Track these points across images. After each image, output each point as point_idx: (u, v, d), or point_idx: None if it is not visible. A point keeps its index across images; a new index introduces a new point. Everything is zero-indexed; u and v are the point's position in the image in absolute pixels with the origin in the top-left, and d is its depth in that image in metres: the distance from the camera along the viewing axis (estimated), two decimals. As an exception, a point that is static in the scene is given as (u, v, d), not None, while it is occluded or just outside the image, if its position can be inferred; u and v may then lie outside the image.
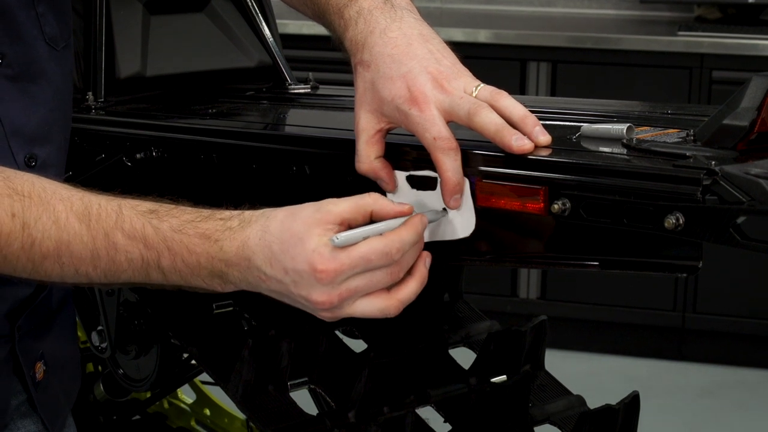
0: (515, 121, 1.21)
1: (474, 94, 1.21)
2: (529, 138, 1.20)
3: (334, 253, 1.11)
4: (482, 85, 1.23)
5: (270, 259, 1.13)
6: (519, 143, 1.19)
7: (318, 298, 1.13)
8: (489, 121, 1.19)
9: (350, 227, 1.14)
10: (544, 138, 1.21)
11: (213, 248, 1.14)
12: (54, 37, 1.27)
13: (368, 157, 1.25)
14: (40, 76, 1.26)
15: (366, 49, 1.25)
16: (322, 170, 1.39)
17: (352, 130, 1.29)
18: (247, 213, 1.16)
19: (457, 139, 1.21)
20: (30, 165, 1.24)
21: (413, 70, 1.22)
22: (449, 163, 1.20)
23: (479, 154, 1.25)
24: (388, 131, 1.26)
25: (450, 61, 1.24)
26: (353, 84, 1.27)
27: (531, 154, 1.22)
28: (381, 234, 1.13)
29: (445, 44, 1.26)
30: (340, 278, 1.12)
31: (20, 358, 1.28)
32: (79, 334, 1.72)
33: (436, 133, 1.20)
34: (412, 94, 1.21)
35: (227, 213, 1.16)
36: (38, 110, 1.25)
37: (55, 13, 1.28)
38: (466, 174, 1.24)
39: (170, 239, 1.14)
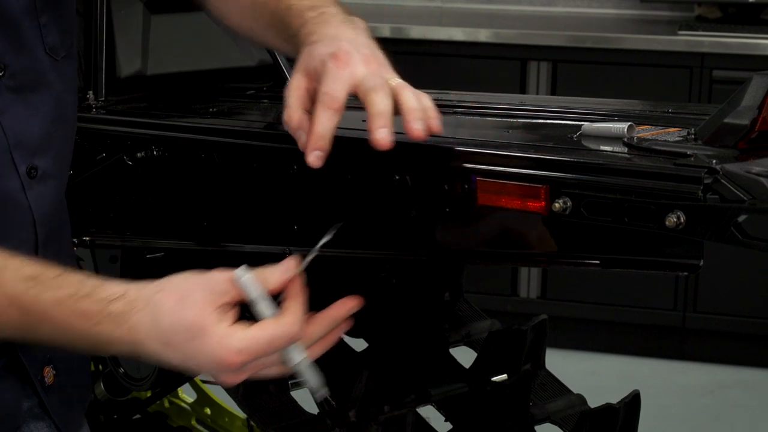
0: (405, 110, 1.21)
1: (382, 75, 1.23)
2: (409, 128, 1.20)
3: (240, 344, 1.11)
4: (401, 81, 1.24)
5: (166, 346, 1.12)
6: (377, 135, 1.19)
7: (225, 379, 1.16)
8: (377, 102, 1.20)
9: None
10: (417, 130, 1.20)
11: (92, 330, 1.12)
12: (54, 48, 1.26)
13: (297, 109, 1.25)
14: (41, 87, 1.25)
15: (316, 35, 1.28)
16: (322, 169, 1.39)
17: (353, 129, 1.29)
18: (132, 295, 1.13)
19: (458, 139, 1.21)
20: (31, 176, 1.23)
21: (348, 45, 1.25)
22: (323, 118, 1.20)
23: (480, 152, 1.25)
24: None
25: (372, 48, 1.27)
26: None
27: (531, 153, 1.22)
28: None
29: (374, 46, 1.29)
30: (248, 365, 1.13)
31: (25, 363, 1.27)
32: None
33: (329, 89, 1.21)
34: (337, 53, 1.23)
35: (110, 291, 1.13)
36: (40, 121, 1.24)
37: (57, 24, 1.26)
38: (467, 172, 1.24)
39: (50, 311, 1.13)
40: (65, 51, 1.28)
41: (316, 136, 1.21)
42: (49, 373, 1.30)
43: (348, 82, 1.21)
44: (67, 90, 1.29)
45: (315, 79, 1.25)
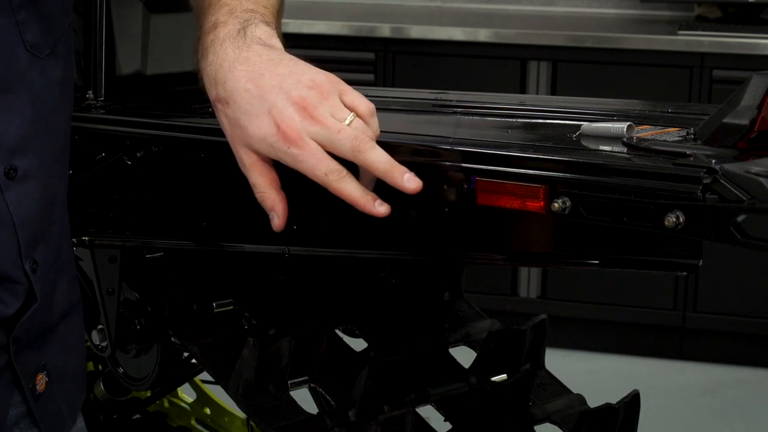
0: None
1: (348, 123, 1.23)
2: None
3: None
4: (350, 114, 1.24)
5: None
6: (410, 183, 1.22)
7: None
8: (378, 160, 1.22)
9: None
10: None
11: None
12: (36, 45, 1.21)
13: (271, 188, 1.27)
14: (17, 86, 1.19)
15: (219, 85, 1.26)
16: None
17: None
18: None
19: (457, 139, 1.21)
20: (9, 177, 1.19)
21: (276, 104, 1.23)
22: (352, 189, 1.23)
23: (480, 152, 1.25)
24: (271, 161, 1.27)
25: (308, 77, 1.25)
26: (219, 122, 1.29)
27: (530, 153, 1.22)
28: None
29: (295, 60, 1.27)
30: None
31: (17, 370, 1.23)
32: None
33: (326, 169, 1.22)
34: (283, 131, 1.22)
35: None
36: (17, 121, 1.19)
37: (39, 20, 1.21)
38: (466, 172, 1.24)
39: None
40: (49, 48, 1.23)
41: (361, 201, 1.23)
42: (41, 381, 1.27)
43: (322, 149, 1.22)
44: (50, 88, 1.24)
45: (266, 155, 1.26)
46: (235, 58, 1.26)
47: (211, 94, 1.28)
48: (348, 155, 1.22)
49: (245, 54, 1.26)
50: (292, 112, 1.22)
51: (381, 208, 1.24)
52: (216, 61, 1.27)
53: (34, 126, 1.21)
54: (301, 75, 1.25)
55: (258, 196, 1.28)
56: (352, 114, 1.24)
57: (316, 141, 1.22)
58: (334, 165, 1.22)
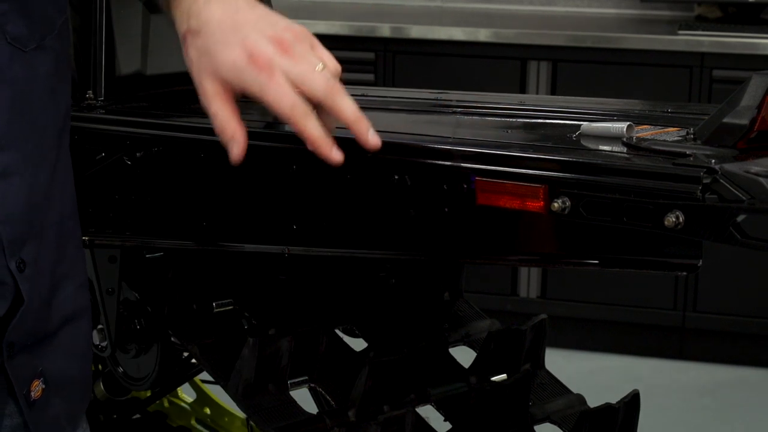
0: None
1: (319, 70, 1.22)
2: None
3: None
4: (320, 63, 1.23)
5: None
6: (374, 139, 1.21)
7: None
8: (349, 106, 1.21)
9: None
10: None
11: None
12: (19, 38, 1.17)
13: (233, 118, 1.25)
14: None
15: (192, 17, 1.25)
16: (322, 168, 1.39)
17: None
18: None
19: (457, 138, 1.21)
20: None
21: (250, 35, 1.22)
22: (314, 127, 1.21)
23: (479, 152, 1.25)
24: (234, 94, 1.25)
25: (284, 23, 1.25)
26: (186, 56, 1.27)
27: (530, 153, 1.22)
28: None
29: (271, 9, 1.27)
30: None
31: (10, 374, 1.19)
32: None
33: (291, 103, 1.21)
34: (255, 58, 1.21)
35: None
36: None
37: (22, 13, 1.18)
38: (466, 172, 1.24)
39: None
40: (36, 43, 1.19)
41: (321, 142, 1.21)
42: (37, 387, 1.23)
43: (289, 87, 1.21)
44: (37, 83, 1.21)
45: (233, 87, 1.24)
46: None
47: (182, 27, 1.26)
48: (319, 95, 1.21)
49: None
50: (266, 43, 1.22)
51: (337, 155, 1.22)
52: None
53: (16, 121, 1.18)
54: (277, 19, 1.25)
55: (217, 125, 1.26)
56: (321, 63, 1.24)
57: (287, 76, 1.21)
58: (300, 101, 1.21)
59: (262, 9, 1.25)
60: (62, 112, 1.27)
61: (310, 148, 1.23)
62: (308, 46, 1.25)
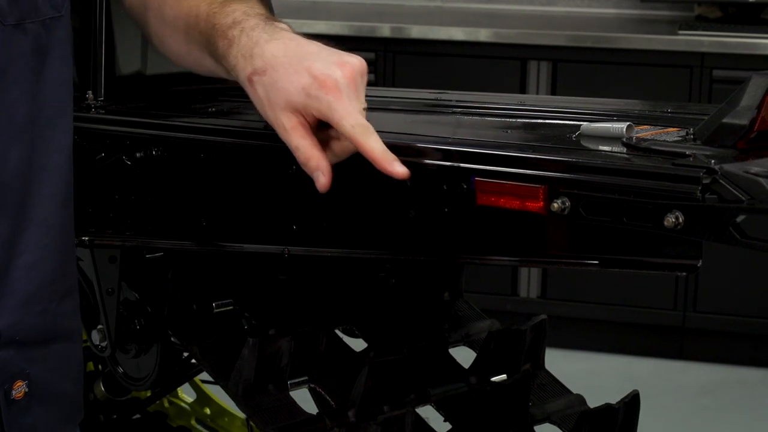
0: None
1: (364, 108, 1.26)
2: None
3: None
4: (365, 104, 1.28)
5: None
6: (400, 170, 1.23)
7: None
8: (374, 146, 1.23)
9: None
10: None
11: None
12: None
13: (314, 149, 1.26)
14: None
15: (256, 58, 1.29)
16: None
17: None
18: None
19: (457, 139, 1.22)
20: None
21: (316, 62, 1.26)
22: (375, 144, 1.23)
23: (479, 153, 1.25)
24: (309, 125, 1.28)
25: (344, 53, 1.28)
26: (254, 96, 1.30)
27: (529, 153, 1.22)
28: None
29: (271, 9, 1.33)
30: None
31: None
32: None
33: (354, 121, 1.23)
34: (322, 81, 1.24)
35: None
36: None
37: None
38: (466, 173, 1.24)
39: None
40: (14, 19, 1.22)
41: (382, 159, 1.23)
42: (19, 387, 1.25)
43: (355, 106, 1.24)
44: (9, 61, 1.22)
45: (305, 113, 1.26)
46: (270, 38, 1.29)
47: (246, 71, 1.29)
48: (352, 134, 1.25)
49: (278, 35, 1.30)
50: (332, 67, 1.25)
51: (400, 169, 1.23)
52: (249, 42, 1.30)
53: None
54: (337, 52, 1.29)
55: (301, 157, 1.28)
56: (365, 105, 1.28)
57: (348, 98, 1.25)
58: (363, 119, 1.24)
59: (320, 45, 1.30)
60: (41, 103, 1.27)
61: (373, 164, 1.24)
62: (364, 80, 1.29)
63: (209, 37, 1.35)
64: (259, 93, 1.29)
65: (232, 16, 1.34)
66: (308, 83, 1.25)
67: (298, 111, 1.26)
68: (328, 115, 1.24)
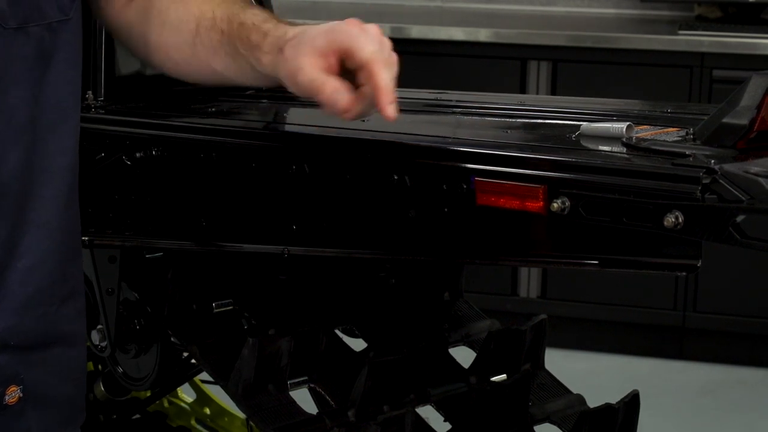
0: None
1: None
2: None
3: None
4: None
5: None
6: (390, 111, 1.24)
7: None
8: (384, 77, 1.25)
9: None
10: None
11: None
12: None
13: (330, 78, 1.27)
14: None
15: (289, 32, 1.32)
16: (322, 169, 1.39)
17: (353, 129, 1.29)
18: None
19: (457, 139, 1.21)
20: None
21: (337, 23, 1.30)
22: (385, 76, 1.25)
23: (479, 153, 1.25)
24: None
25: None
26: (284, 62, 1.30)
27: (529, 153, 1.22)
28: None
29: (271, 9, 1.35)
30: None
31: None
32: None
33: (375, 48, 1.26)
34: (348, 21, 1.30)
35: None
36: None
37: None
38: (466, 173, 1.24)
39: None
40: (16, 22, 1.21)
41: (385, 91, 1.24)
42: (13, 392, 1.23)
43: (375, 39, 1.28)
44: (9, 63, 1.21)
45: (329, 55, 1.27)
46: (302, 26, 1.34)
47: (280, 44, 1.32)
48: (382, 57, 1.28)
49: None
50: (353, 20, 1.30)
51: (390, 111, 1.24)
52: (284, 28, 1.34)
53: None
54: None
55: (315, 85, 1.27)
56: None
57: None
58: (382, 51, 1.27)
59: None
60: (43, 106, 1.26)
61: (374, 93, 1.25)
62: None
63: (234, 34, 1.35)
64: (286, 55, 1.30)
65: (261, 15, 1.37)
66: (332, 25, 1.29)
67: (322, 54, 1.27)
68: (349, 44, 1.27)
